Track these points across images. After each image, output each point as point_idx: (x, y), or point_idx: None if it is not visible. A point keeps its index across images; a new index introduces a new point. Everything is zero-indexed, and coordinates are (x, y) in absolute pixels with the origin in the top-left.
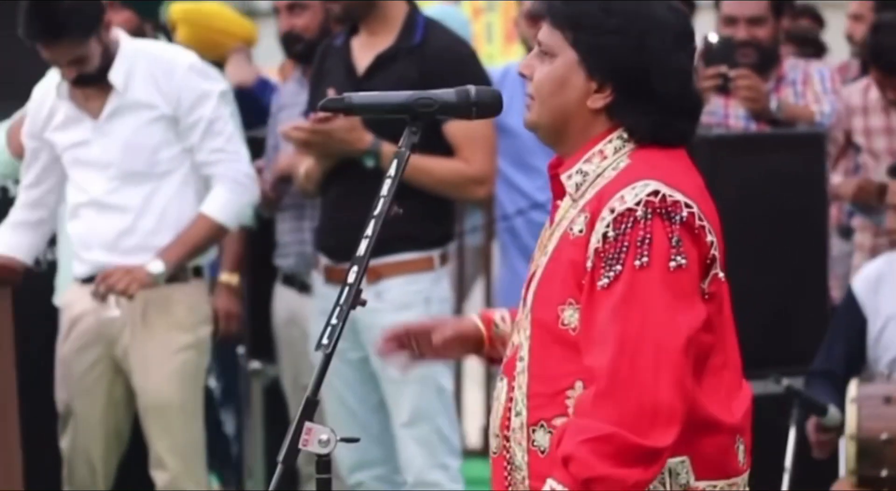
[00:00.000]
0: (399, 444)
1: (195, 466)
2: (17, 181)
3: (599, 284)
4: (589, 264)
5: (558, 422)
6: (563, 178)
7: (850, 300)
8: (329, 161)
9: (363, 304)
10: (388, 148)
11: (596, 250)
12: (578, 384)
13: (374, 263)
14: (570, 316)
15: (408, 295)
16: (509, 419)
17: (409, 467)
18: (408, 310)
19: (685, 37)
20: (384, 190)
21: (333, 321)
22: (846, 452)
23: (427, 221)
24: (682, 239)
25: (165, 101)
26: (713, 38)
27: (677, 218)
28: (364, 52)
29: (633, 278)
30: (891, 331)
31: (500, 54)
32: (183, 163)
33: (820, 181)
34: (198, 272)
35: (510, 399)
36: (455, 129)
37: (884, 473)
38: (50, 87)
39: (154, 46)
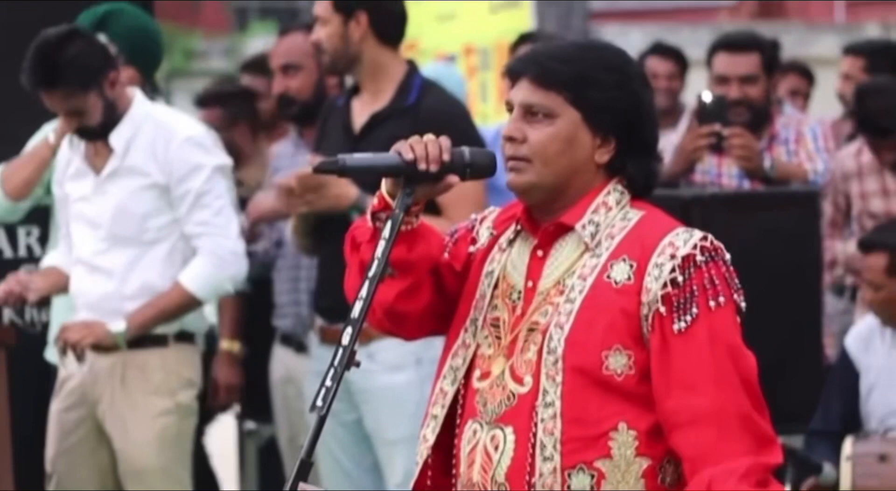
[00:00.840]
0: None
1: None
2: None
3: (676, 327)
4: (660, 308)
5: (599, 464)
6: (578, 227)
7: (844, 356)
8: (312, 216)
9: (357, 365)
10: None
11: (665, 296)
12: (622, 425)
13: (366, 325)
14: (617, 361)
15: (399, 356)
16: (527, 466)
17: None
18: (400, 371)
19: (648, 81)
20: (378, 252)
21: (328, 383)
22: None
23: None
24: (734, 278)
25: (160, 169)
26: (707, 96)
27: (728, 259)
28: (362, 111)
29: (712, 319)
30: (881, 387)
31: (494, 113)
32: (172, 232)
33: (814, 239)
34: (184, 337)
35: (527, 447)
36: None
37: None
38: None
39: (163, 113)
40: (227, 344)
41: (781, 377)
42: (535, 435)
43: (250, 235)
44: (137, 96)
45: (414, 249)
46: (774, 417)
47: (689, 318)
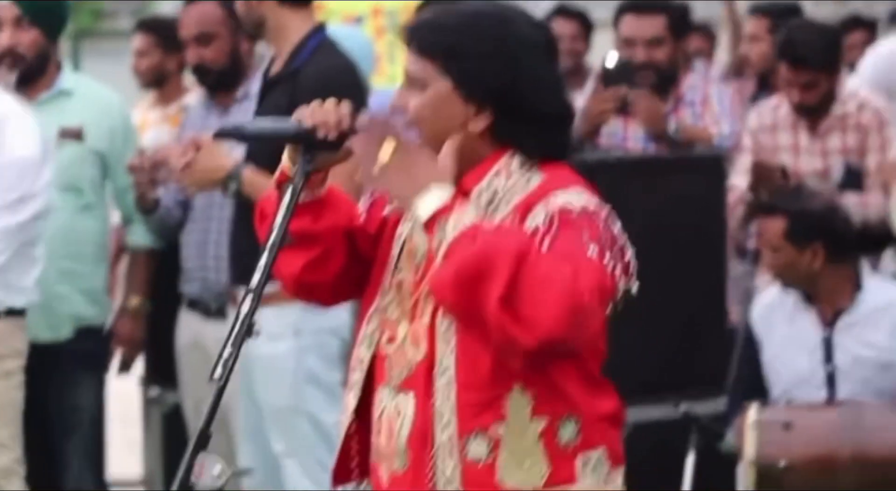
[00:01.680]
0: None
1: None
2: None
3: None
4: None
5: (495, 427)
6: (474, 193)
7: (748, 331)
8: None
9: (257, 334)
10: (248, 173)
11: (535, 228)
12: (517, 386)
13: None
14: None
15: (279, 326)
16: (429, 434)
17: None
18: (278, 341)
19: (549, 47)
20: (277, 220)
21: (226, 352)
22: (745, 478)
23: None
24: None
25: None
26: (612, 59)
27: (614, 226)
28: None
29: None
30: (780, 361)
31: (402, 75)
32: None
33: (718, 203)
34: (12, 313)
35: (428, 413)
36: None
37: None
38: None
39: (6, 123)
40: (134, 301)
41: (687, 342)
42: (433, 404)
43: (150, 178)
44: None
45: (320, 219)
46: (679, 382)
47: (547, 242)
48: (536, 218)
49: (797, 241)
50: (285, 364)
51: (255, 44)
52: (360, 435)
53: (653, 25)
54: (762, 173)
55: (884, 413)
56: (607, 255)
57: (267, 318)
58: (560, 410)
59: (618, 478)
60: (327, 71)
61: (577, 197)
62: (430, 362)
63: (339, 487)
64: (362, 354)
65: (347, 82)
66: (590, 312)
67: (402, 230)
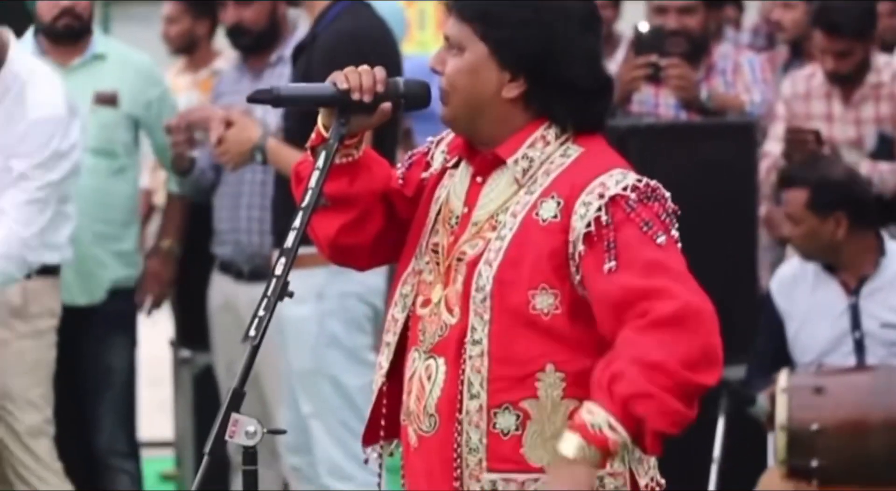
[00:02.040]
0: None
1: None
2: None
3: (606, 268)
4: (581, 248)
5: (525, 404)
6: (510, 162)
7: (769, 301)
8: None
9: (290, 295)
10: (272, 144)
11: (588, 235)
12: (549, 367)
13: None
14: (543, 301)
15: (300, 289)
16: (456, 401)
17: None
18: (300, 304)
19: (590, 19)
20: (311, 182)
21: (261, 313)
22: (776, 442)
23: None
24: (672, 217)
25: (5, 136)
26: (643, 27)
27: (667, 199)
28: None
29: (650, 252)
30: (806, 332)
31: (433, 41)
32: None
33: (750, 170)
34: (46, 271)
35: (457, 381)
36: None
37: (814, 463)
38: None
39: (30, 82)
40: (167, 243)
41: (717, 309)
42: (463, 371)
43: (186, 138)
44: (18, 52)
45: (355, 182)
46: None
47: (614, 262)
48: (590, 208)
49: (820, 210)
50: (308, 327)
51: (288, 7)
52: (391, 396)
53: None
54: (796, 139)
55: None
56: (672, 233)
57: (291, 280)
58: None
59: (650, 459)
60: (340, 37)
61: (622, 176)
62: (462, 330)
63: (368, 448)
64: (396, 315)
65: (359, 47)
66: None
67: (440, 193)
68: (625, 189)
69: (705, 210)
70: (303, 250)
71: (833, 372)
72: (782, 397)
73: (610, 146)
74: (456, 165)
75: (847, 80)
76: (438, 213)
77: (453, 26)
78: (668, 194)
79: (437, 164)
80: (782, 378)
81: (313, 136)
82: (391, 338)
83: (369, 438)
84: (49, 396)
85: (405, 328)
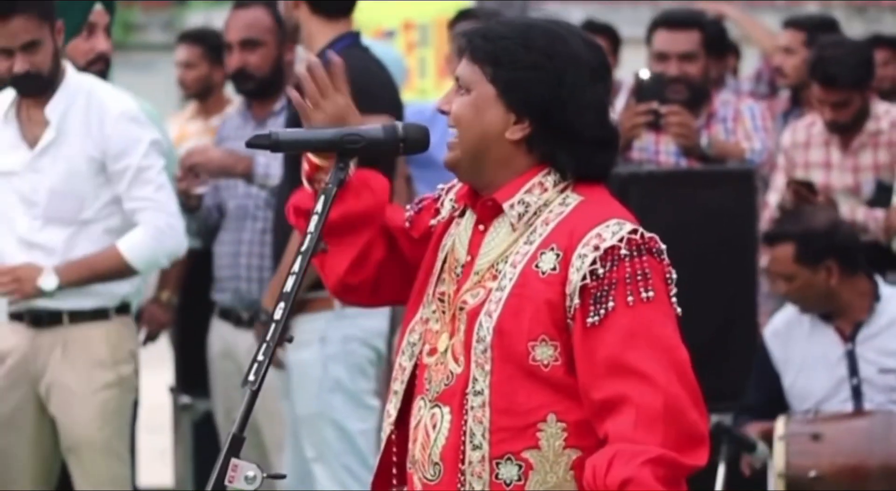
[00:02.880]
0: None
1: None
2: None
3: (589, 321)
4: (576, 301)
5: (527, 454)
6: (506, 206)
7: (763, 353)
8: None
9: (290, 340)
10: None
11: (584, 287)
12: (551, 417)
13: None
14: (543, 352)
15: (305, 333)
16: (458, 450)
17: None
18: (303, 348)
19: (601, 70)
20: (311, 226)
21: (260, 358)
22: (774, 489)
23: None
24: (668, 271)
25: (95, 145)
26: (644, 74)
27: (662, 253)
28: None
29: (633, 313)
30: (803, 381)
31: (433, 89)
32: (112, 212)
33: (750, 217)
34: (123, 309)
35: (460, 431)
36: None
37: None
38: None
39: (95, 85)
40: (165, 295)
41: (717, 355)
42: (465, 422)
43: (188, 176)
44: (69, 67)
45: (360, 197)
46: (709, 395)
47: (602, 311)
48: (585, 260)
49: (809, 262)
50: (312, 372)
51: (293, 54)
52: (400, 444)
53: (687, 40)
54: (798, 190)
55: None
56: (662, 286)
57: (296, 325)
58: (593, 443)
59: None
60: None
61: (618, 227)
62: (465, 380)
63: None
64: (404, 363)
65: (360, 90)
66: (691, 375)
67: (446, 241)
68: (620, 241)
69: (706, 257)
70: (305, 295)
71: (830, 418)
72: (780, 444)
73: (611, 194)
74: (462, 213)
75: (846, 129)
76: (444, 261)
77: (464, 67)
78: (663, 247)
79: (445, 212)
80: (780, 425)
81: (305, 166)
82: (399, 386)
83: (380, 486)
84: (128, 443)
85: (412, 376)
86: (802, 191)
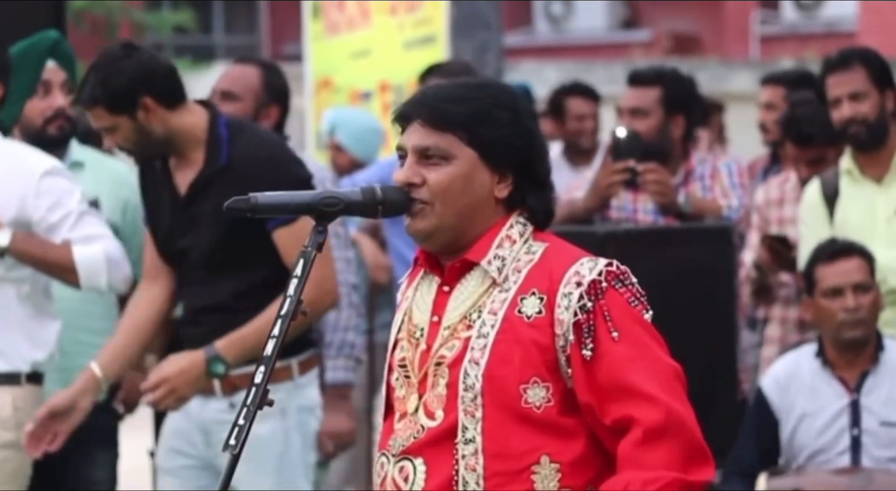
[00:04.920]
0: None
1: None
2: None
3: (586, 353)
4: (571, 338)
5: None
6: (483, 263)
7: (761, 401)
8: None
9: (270, 404)
10: (221, 346)
11: (576, 323)
12: (544, 459)
13: (232, 374)
14: (535, 394)
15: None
16: None
17: None
18: (264, 421)
19: (534, 116)
20: (290, 290)
21: (240, 422)
22: None
23: None
24: (644, 299)
25: (20, 207)
26: (621, 132)
27: (636, 283)
28: (180, 174)
29: (628, 338)
30: (803, 430)
31: None
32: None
33: (728, 273)
34: (34, 378)
35: (438, 478)
36: (282, 236)
37: None
38: None
39: (11, 147)
40: (150, 360)
41: (699, 411)
42: (457, 472)
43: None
44: None
45: None
46: None
47: (596, 343)
48: (572, 298)
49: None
50: (271, 447)
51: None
52: None
53: (641, 97)
54: (773, 245)
55: (893, 477)
56: (645, 316)
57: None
58: (585, 481)
59: None
60: (259, 151)
61: (593, 264)
62: (448, 430)
63: None
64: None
65: (282, 155)
66: (682, 387)
67: (399, 315)
68: (599, 275)
69: (685, 313)
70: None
71: (812, 474)
72: None
73: (562, 239)
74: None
75: None
76: (400, 330)
77: (430, 137)
78: (635, 280)
79: (399, 301)
80: (761, 481)
81: None
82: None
83: None
84: None
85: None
86: (777, 246)
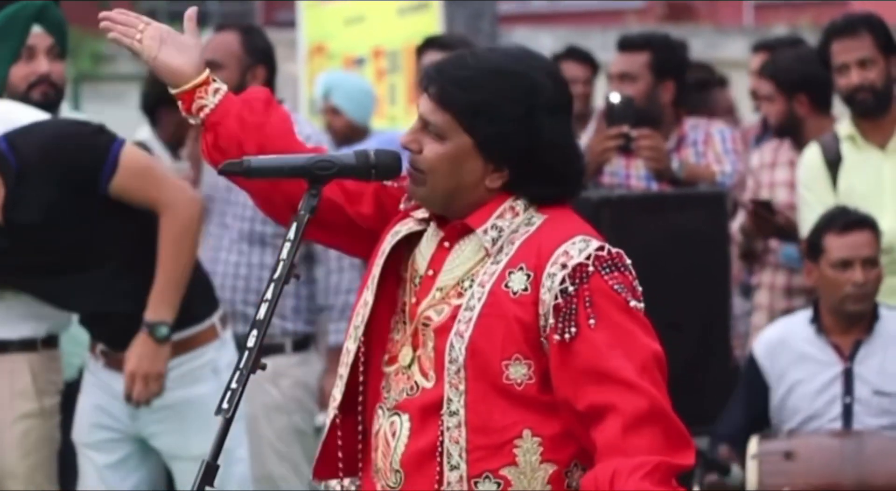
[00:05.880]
0: None
1: None
2: None
3: (565, 337)
4: (551, 321)
5: (505, 471)
6: (479, 231)
7: (752, 366)
8: None
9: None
10: (151, 313)
11: (556, 306)
12: (526, 433)
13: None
14: (517, 371)
15: (195, 368)
16: (437, 476)
17: None
18: (198, 383)
19: (569, 106)
20: (284, 253)
21: (233, 385)
22: None
23: (199, 292)
24: (635, 285)
25: None
26: (615, 98)
27: (629, 268)
28: None
29: (608, 325)
30: (795, 397)
31: (403, 116)
32: None
33: (722, 240)
34: (50, 342)
35: (420, 437)
36: (116, 186)
37: None
38: None
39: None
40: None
41: (691, 379)
42: (441, 443)
43: None
44: None
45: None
46: (683, 417)
47: (575, 327)
48: (555, 279)
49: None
50: (210, 407)
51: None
52: (345, 431)
53: (630, 61)
54: (757, 209)
55: (886, 442)
56: (631, 303)
57: (181, 362)
58: (568, 456)
59: None
60: (43, 150)
61: (584, 244)
62: (437, 398)
63: (321, 483)
64: (349, 346)
65: (59, 138)
66: (662, 375)
67: (400, 229)
68: (587, 258)
69: (678, 279)
70: (189, 332)
71: (803, 437)
72: (752, 463)
73: (574, 212)
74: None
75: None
76: (406, 270)
77: (434, 113)
78: (629, 262)
79: (417, 213)
80: (752, 444)
81: (181, 104)
82: (343, 370)
83: (321, 473)
84: (54, 476)
85: (355, 360)
86: (761, 211)
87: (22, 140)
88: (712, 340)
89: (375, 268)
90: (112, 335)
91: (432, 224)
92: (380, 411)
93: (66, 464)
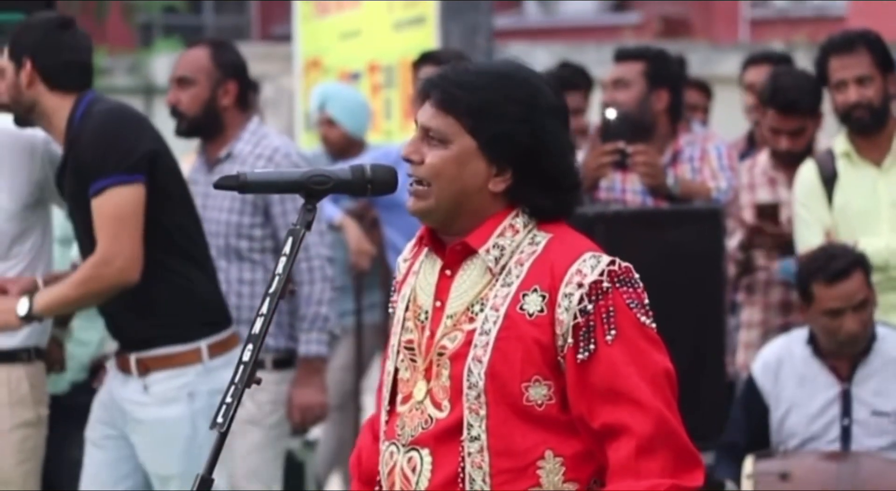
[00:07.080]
0: None
1: None
2: None
3: (581, 356)
4: (570, 341)
5: None
6: (481, 251)
7: (751, 387)
8: None
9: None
10: (40, 299)
11: (576, 325)
12: (548, 453)
13: (144, 355)
14: (537, 392)
15: (172, 389)
16: (457, 487)
17: None
18: (171, 404)
19: (565, 112)
20: (279, 268)
21: (228, 400)
22: None
23: (189, 313)
24: (646, 301)
25: None
26: (611, 113)
27: (638, 283)
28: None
29: (623, 342)
30: (793, 417)
31: (398, 130)
32: None
33: (717, 256)
34: (40, 354)
35: (444, 470)
36: (93, 203)
37: None
38: None
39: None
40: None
41: (687, 395)
42: (463, 469)
43: None
44: None
45: None
46: None
47: (593, 345)
48: (572, 299)
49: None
50: (179, 430)
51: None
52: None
53: (625, 70)
54: (763, 211)
55: (881, 463)
56: (643, 316)
57: (161, 380)
58: (588, 475)
59: None
60: (96, 127)
61: (595, 261)
62: (454, 424)
63: None
64: (382, 416)
65: (116, 127)
66: (673, 392)
67: (405, 291)
68: (601, 274)
69: (673, 296)
70: (171, 349)
71: (800, 457)
72: (747, 483)
73: (572, 228)
74: (421, 262)
75: (792, 162)
76: (406, 309)
77: (436, 118)
78: (637, 276)
79: (400, 274)
80: (748, 464)
81: None
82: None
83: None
84: (39, 485)
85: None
86: (767, 211)
87: (84, 120)
88: (707, 356)
89: (394, 337)
90: (115, 334)
91: (427, 255)
92: (393, 448)
93: (56, 477)
